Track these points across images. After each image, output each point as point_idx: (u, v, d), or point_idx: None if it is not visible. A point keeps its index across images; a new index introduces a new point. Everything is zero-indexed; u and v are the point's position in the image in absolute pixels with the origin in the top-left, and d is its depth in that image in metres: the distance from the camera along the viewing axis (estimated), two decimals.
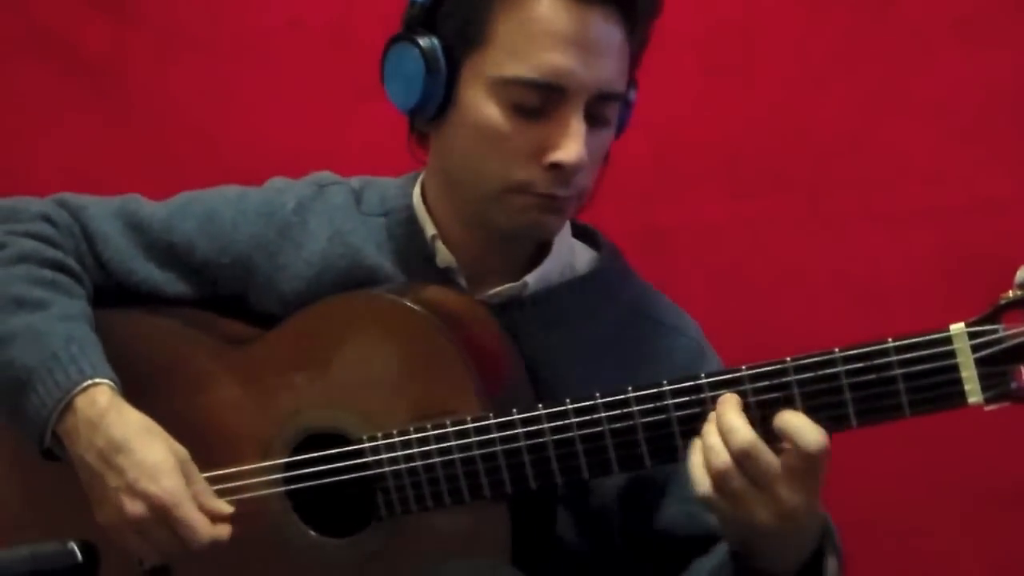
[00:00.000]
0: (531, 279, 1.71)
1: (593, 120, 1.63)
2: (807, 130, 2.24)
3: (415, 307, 1.63)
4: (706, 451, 1.45)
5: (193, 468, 1.63)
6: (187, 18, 2.43)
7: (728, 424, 1.45)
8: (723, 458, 1.44)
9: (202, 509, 1.61)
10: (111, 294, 1.78)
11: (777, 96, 2.25)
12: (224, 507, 1.63)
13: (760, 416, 1.47)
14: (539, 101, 1.61)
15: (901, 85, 2.20)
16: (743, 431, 1.44)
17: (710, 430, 1.46)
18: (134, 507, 1.59)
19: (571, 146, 1.60)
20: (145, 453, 1.60)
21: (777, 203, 2.25)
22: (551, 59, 1.59)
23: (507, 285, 1.72)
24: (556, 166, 1.61)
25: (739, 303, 2.25)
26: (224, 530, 1.62)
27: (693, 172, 2.28)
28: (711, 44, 2.26)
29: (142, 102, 2.44)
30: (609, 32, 1.62)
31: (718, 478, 1.44)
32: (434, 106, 1.65)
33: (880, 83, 2.21)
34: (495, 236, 1.70)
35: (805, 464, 1.43)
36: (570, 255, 1.76)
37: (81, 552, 1.34)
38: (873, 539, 2.20)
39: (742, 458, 1.43)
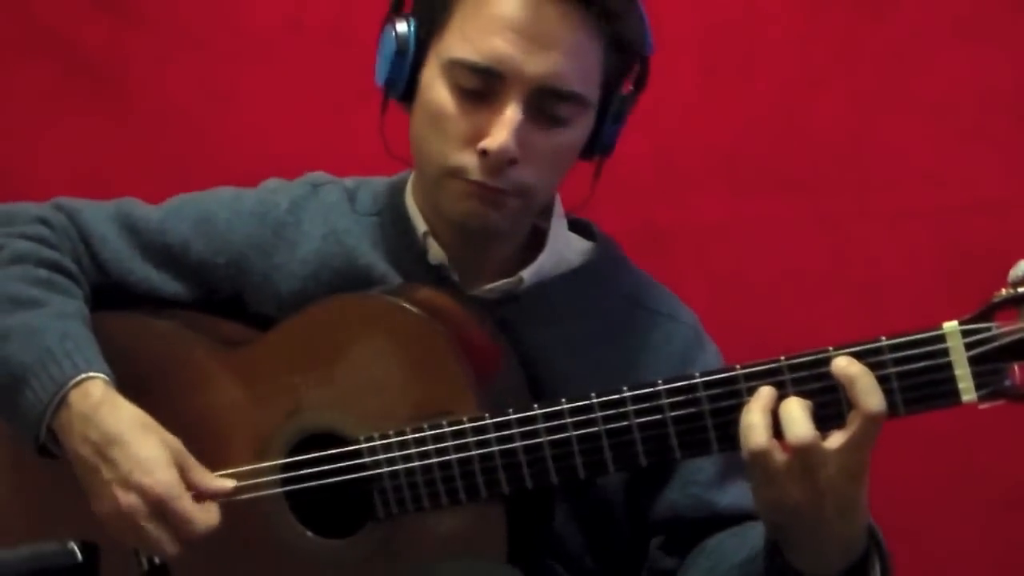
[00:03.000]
0: (526, 274, 1.71)
1: (542, 117, 1.61)
2: (807, 130, 2.24)
3: (410, 308, 1.63)
4: (746, 429, 1.45)
5: (188, 456, 1.62)
6: (187, 18, 2.43)
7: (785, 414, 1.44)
8: (762, 438, 1.43)
9: (205, 491, 1.61)
10: (109, 295, 1.79)
11: (777, 96, 2.24)
12: (225, 484, 1.63)
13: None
14: (480, 85, 1.60)
15: (901, 85, 2.20)
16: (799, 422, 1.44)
17: (753, 408, 1.45)
18: (128, 499, 1.58)
19: (499, 133, 1.59)
20: (139, 446, 1.60)
21: (777, 203, 2.25)
22: (493, 43, 1.59)
23: (502, 281, 1.72)
24: (484, 152, 1.60)
25: (739, 303, 2.24)
26: (217, 518, 1.61)
27: (693, 172, 2.28)
28: (711, 44, 2.26)
29: (142, 102, 2.44)
30: (564, 27, 1.59)
31: (757, 455, 1.44)
32: (401, 86, 1.66)
33: (880, 83, 2.21)
34: (462, 231, 1.69)
35: (862, 434, 1.43)
36: (565, 249, 1.76)
37: (81, 552, 1.34)
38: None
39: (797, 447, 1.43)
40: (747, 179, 2.26)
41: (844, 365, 1.44)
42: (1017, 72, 2.17)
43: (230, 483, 1.64)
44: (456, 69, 1.61)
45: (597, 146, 1.69)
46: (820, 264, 2.23)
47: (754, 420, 1.44)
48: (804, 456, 1.42)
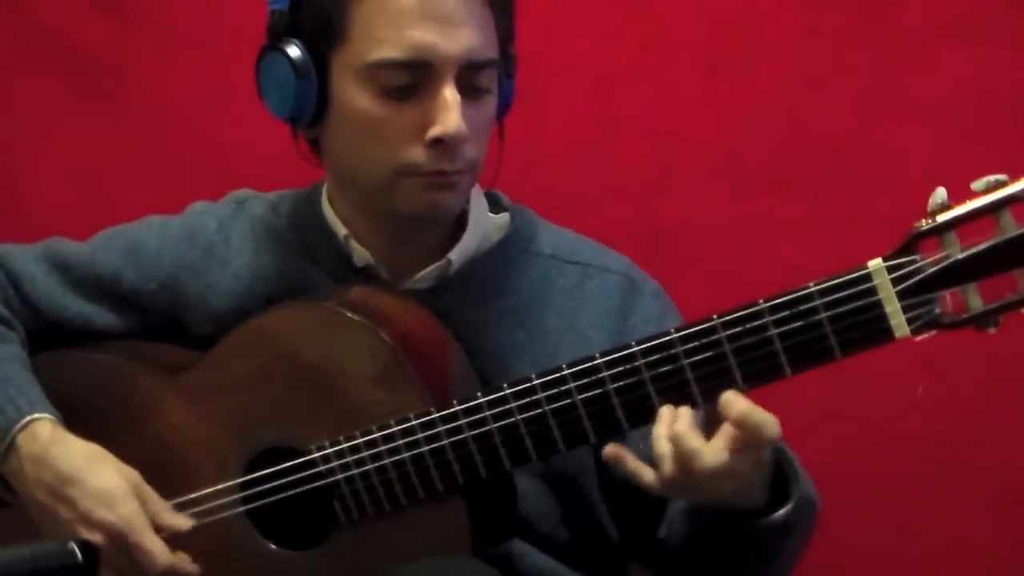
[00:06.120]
0: (454, 256, 1.72)
1: (469, 91, 1.64)
2: (807, 130, 2.24)
3: (345, 312, 1.63)
4: (659, 460, 1.46)
5: (147, 488, 1.63)
6: (187, 18, 2.43)
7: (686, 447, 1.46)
8: (671, 467, 1.45)
9: (163, 527, 1.62)
10: (44, 336, 1.78)
11: (777, 96, 2.24)
12: (184, 522, 1.63)
13: (695, 376, 1.48)
14: (408, 80, 1.62)
15: (900, 85, 2.20)
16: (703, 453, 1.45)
17: (659, 434, 1.47)
18: (91, 537, 1.58)
19: (448, 119, 1.61)
20: (96, 481, 1.61)
21: (777, 203, 2.25)
22: (411, 36, 1.61)
23: (431, 267, 1.72)
24: (438, 141, 1.62)
25: (739, 303, 2.24)
26: (184, 560, 1.62)
27: (693, 172, 2.28)
28: (711, 44, 2.26)
29: (142, 102, 2.44)
30: (464, 2, 1.63)
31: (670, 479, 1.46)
32: (310, 109, 1.67)
33: (879, 83, 2.21)
34: (402, 225, 1.70)
35: (764, 450, 1.46)
36: (485, 226, 1.76)
37: (81, 552, 1.33)
38: (873, 539, 2.20)
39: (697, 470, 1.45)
40: (747, 179, 2.26)
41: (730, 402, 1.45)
42: (1017, 72, 2.17)
43: (187, 521, 1.63)
44: (379, 71, 1.62)
45: (500, 105, 1.72)
46: (820, 264, 2.23)
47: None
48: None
